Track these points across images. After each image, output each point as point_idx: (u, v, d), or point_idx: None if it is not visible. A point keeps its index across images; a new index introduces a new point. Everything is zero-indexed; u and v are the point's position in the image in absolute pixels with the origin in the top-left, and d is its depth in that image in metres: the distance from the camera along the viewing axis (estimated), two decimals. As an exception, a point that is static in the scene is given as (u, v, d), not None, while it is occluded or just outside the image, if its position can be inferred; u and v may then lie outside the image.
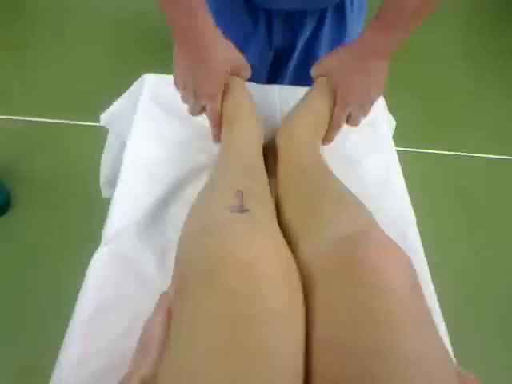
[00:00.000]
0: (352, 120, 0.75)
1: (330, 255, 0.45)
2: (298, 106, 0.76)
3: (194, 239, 0.50)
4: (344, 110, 0.72)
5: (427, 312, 0.42)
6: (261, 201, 0.57)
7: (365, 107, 0.73)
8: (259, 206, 0.55)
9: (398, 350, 0.37)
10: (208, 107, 0.71)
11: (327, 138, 0.76)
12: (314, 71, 0.76)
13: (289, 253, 0.48)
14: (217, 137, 0.74)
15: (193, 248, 0.48)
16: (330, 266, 0.44)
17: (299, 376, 0.41)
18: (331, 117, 0.73)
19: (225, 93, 0.72)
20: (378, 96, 0.73)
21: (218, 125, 0.73)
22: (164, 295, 0.48)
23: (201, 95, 0.70)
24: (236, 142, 0.70)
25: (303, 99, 0.76)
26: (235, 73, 0.73)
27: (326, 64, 0.75)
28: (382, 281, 0.40)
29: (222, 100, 0.72)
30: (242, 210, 0.51)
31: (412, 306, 0.40)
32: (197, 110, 0.73)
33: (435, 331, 0.42)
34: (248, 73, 0.76)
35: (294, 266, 0.47)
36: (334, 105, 0.72)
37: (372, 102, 0.73)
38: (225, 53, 0.70)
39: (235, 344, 0.37)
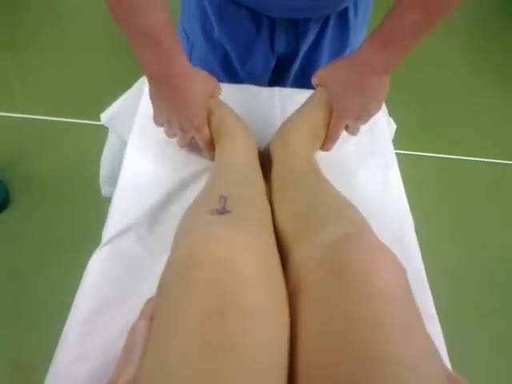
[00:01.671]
0: (350, 129, 0.75)
1: (320, 259, 0.45)
2: (294, 114, 0.76)
3: (173, 243, 0.51)
4: (339, 124, 0.72)
5: (418, 316, 0.42)
6: (248, 205, 0.57)
7: (362, 120, 0.73)
8: (244, 209, 0.55)
9: (388, 354, 0.37)
10: (197, 137, 0.72)
11: (324, 149, 0.76)
12: (313, 81, 0.76)
13: (271, 251, 0.48)
14: (212, 157, 0.75)
15: (171, 250, 0.48)
16: (321, 270, 0.44)
17: (280, 373, 0.40)
18: (328, 127, 0.73)
19: (208, 116, 0.73)
20: (377, 111, 0.73)
21: (210, 148, 0.74)
22: (149, 300, 0.48)
23: (188, 129, 0.70)
24: (227, 152, 0.70)
25: (301, 107, 0.76)
26: (211, 95, 0.74)
27: (323, 75, 0.74)
28: (371, 285, 0.40)
29: (208, 124, 0.72)
30: (224, 211, 0.51)
31: (402, 311, 0.40)
32: (187, 142, 0.75)
33: (426, 336, 0.42)
34: (220, 90, 0.77)
35: (277, 263, 0.47)
36: (331, 116, 0.72)
37: (369, 116, 0.73)
38: (201, 84, 0.70)
39: (209, 340, 0.37)
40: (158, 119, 0.72)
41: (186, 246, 0.44)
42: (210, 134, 0.73)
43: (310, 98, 0.76)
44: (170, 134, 0.74)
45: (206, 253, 0.41)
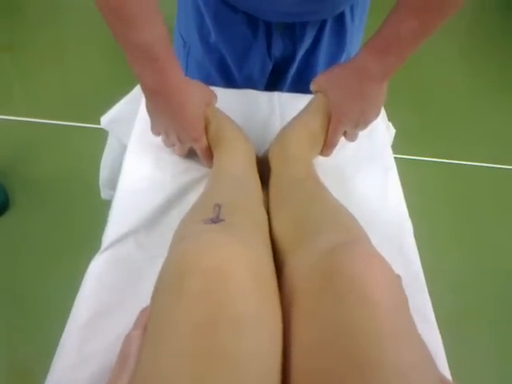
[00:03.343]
0: (348, 136, 0.76)
1: (314, 266, 0.46)
2: (293, 120, 0.76)
3: (168, 250, 0.51)
4: (338, 130, 0.73)
5: (411, 323, 0.42)
6: (243, 213, 0.57)
7: (360, 126, 0.73)
8: (239, 217, 0.55)
9: (381, 361, 0.37)
10: (195, 147, 0.73)
11: (323, 155, 0.77)
12: (312, 87, 0.77)
13: (264, 259, 0.49)
14: (210, 165, 0.75)
15: (165, 259, 0.48)
16: (314, 277, 0.45)
17: (273, 380, 0.41)
18: (326, 133, 0.73)
19: (205, 125, 0.73)
20: (375, 117, 0.73)
21: (208, 157, 0.74)
22: (144, 309, 0.48)
23: (186, 140, 0.71)
24: (225, 160, 0.71)
25: (299, 113, 0.76)
26: (208, 104, 0.74)
27: (321, 82, 0.75)
28: (364, 292, 0.40)
29: (205, 133, 0.73)
30: (217, 220, 0.51)
31: (395, 318, 0.40)
32: (184, 152, 0.75)
33: (420, 342, 0.42)
34: (216, 99, 0.77)
35: (270, 271, 0.48)
36: (330, 122, 0.72)
37: (368, 123, 0.73)
38: (198, 96, 0.71)
39: (202, 348, 0.38)
40: (156, 130, 0.73)
41: (178, 255, 0.44)
42: (207, 142, 0.73)
43: (309, 104, 0.76)
44: (167, 144, 0.75)
45: (197, 261, 0.41)
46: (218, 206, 0.53)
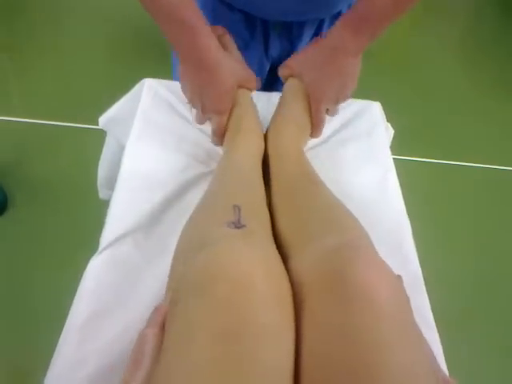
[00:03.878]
0: (330, 112, 0.76)
1: (316, 269, 0.46)
2: (276, 114, 0.76)
3: (188, 254, 0.50)
4: (320, 109, 0.73)
5: (414, 327, 0.43)
6: (257, 215, 0.58)
7: (340, 101, 0.74)
8: (256, 220, 0.55)
9: (384, 366, 0.38)
10: (214, 120, 0.72)
11: (313, 137, 0.77)
12: (281, 72, 0.76)
13: (282, 268, 0.49)
14: (219, 143, 0.74)
15: (187, 262, 0.48)
16: (317, 281, 0.45)
17: (285, 381, 0.41)
18: (310, 115, 0.73)
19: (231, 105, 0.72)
20: (352, 91, 0.74)
21: (220, 136, 0.73)
22: (158, 308, 0.48)
23: (209, 110, 0.70)
24: (236, 154, 0.70)
25: (278, 106, 0.76)
26: (241, 85, 0.73)
27: (294, 65, 0.75)
28: (367, 298, 0.41)
29: (229, 113, 0.72)
30: (240, 225, 0.51)
31: (398, 322, 0.41)
32: (203, 121, 0.74)
33: (422, 346, 0.42)
34: (254, 84, 0.75)
35: (287, 281, 0.48)
36: (310, 104, 0.73)
37: (347, 97, 0.74)
38: (231, 68, 0.70)
39: (225, 356, 0.38)
40: (184, 92, 0.72)
41: (205, 262, 0.44)
42: (226, 123, 0.72)
43: (285, 92, 0.76)
44: (191, 105, 0.73)
45: (224, 270, 0.42)
46: (238, 209, 0.53)
